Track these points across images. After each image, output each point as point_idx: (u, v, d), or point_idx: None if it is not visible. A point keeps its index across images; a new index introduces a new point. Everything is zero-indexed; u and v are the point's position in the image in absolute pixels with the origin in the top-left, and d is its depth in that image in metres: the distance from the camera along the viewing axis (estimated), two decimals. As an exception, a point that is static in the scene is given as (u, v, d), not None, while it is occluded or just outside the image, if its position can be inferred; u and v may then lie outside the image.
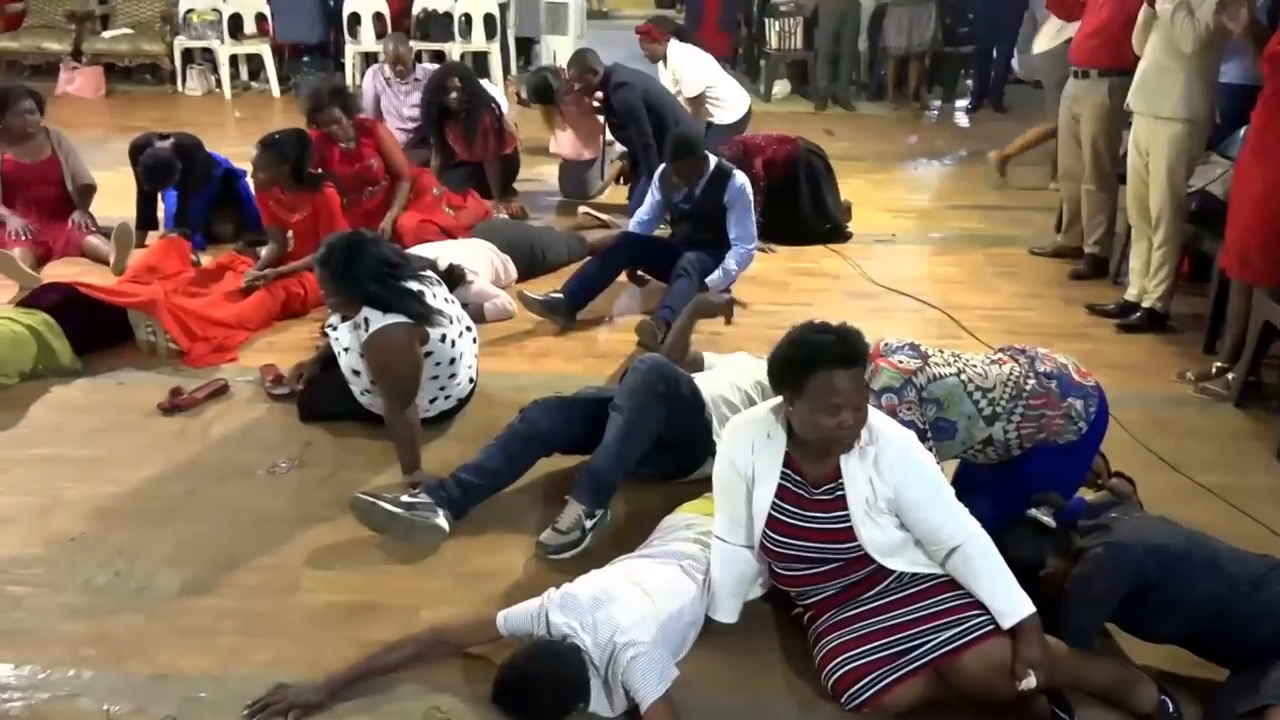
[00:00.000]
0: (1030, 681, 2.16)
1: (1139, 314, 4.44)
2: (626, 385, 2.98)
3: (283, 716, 2.29)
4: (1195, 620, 2.29)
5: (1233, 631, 2.28)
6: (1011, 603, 2.24)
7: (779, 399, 2.37)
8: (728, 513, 2.48)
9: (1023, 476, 2.68)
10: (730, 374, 3.31)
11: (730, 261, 4.53)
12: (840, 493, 2.33)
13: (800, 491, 2.38)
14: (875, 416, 2.34)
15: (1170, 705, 2.29)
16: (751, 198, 4.58)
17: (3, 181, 5.11)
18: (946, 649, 2.24)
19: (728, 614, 2.53)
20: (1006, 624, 2.22)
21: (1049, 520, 2.45)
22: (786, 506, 2.38)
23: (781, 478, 2.38)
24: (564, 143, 6.26)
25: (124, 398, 3.82)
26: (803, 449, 2.36)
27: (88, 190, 5.28)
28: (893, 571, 2.36)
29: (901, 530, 2.35)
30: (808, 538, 2.36)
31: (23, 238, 4.97)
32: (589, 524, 2.91)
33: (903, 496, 2.30)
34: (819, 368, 2.20)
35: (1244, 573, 2.29)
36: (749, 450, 2.41)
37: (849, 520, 2.32)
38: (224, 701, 2.35)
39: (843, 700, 2.30)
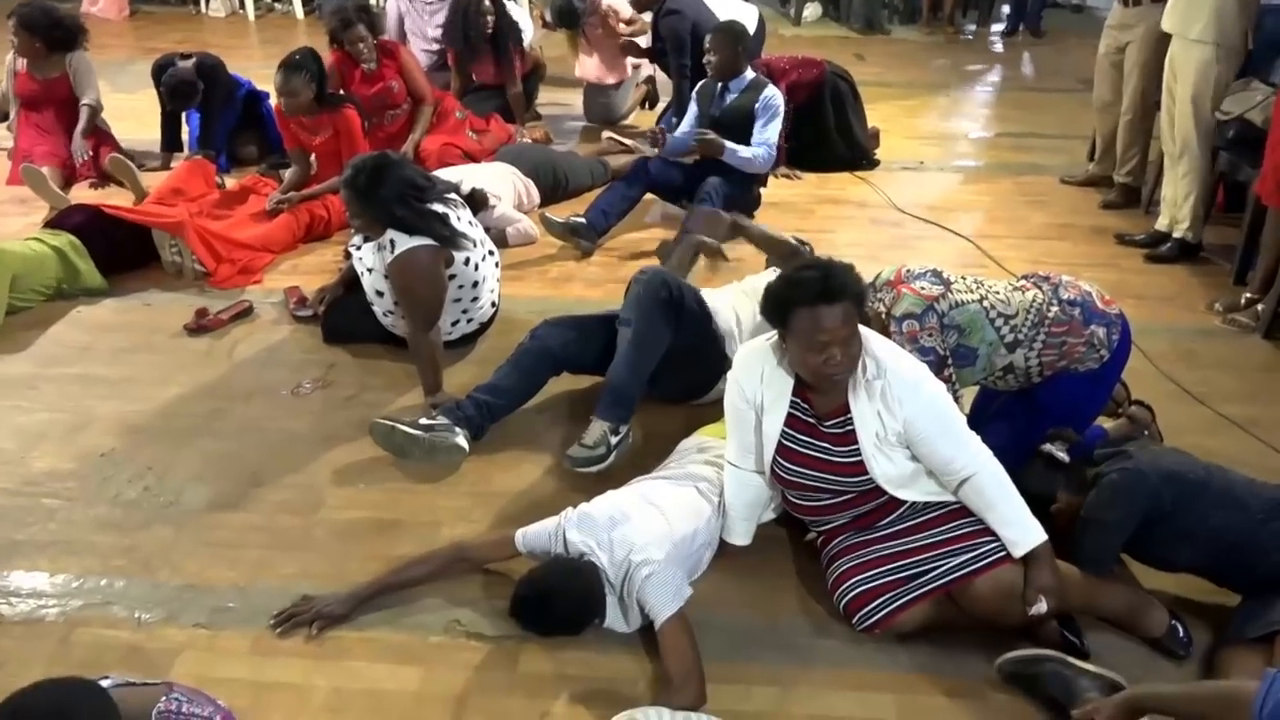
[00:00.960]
0: (1041, 607, 2.18)
1: (1169, 244, 4.36)
2: (631, 297, 2.99)
3: (308, 626, 2.36)
4: (1209, 549, 2.29)
5: (1247, 560, 2.28)
6: (1024, 530, 2.25)
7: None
8: (738, 439, 2.49)
9: (1042, 404, 2.67)
10: (744, 285, 3.30)
11: (743, 149, 4.44)
12: (850, 427, 2.33)
13: (810, 421, 2.38)
14: (883, 350, 2.32)
15: (1180, 630, 2.32)
16: (781, 110, 4.53)
17: (18, 97, 5.13)
18: (959, 574, 2.26)
19: (741, 537, 2.57)
20: (1018, 552, 2.24)
21: (1063, 455, 2.45)
22: (797, 435, 2.39)
23: (791, 407, 2.38)
24: (589, 67, 6.17)
25: (151, 318, 3.87)
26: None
27: (88, 109, 5.20)
28: (900, 506, 2.38)
29: (913, 461, 2.36)
30: (819, 468, 2.38)
31: None
32: (614, 440, 2.94)
33: (913, 430, 2.29)
34: (801, 305, 2.20)
35: (1260, 503, 2.29)
36: (758, 379, 2.41)
37: (859, 455, 2.32)
38: (251, 612, 2.43)
39: (854, 621, 2.34)
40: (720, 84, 4.55)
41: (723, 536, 2.57)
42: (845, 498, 2.40)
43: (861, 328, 2.29)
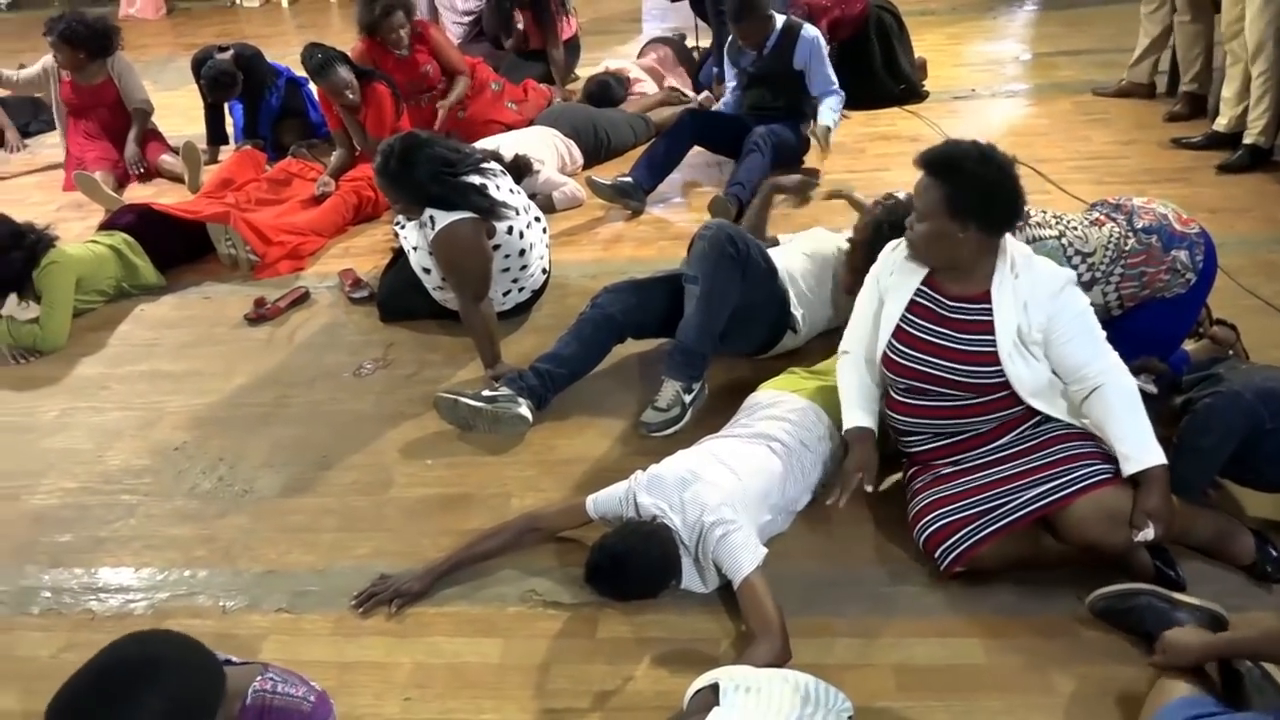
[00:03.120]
0: (1149, 533, 2.08)
1: (1240, 152, 4.16)
2: (696, 253, 2.92)
3: (387, 605, 2.38)
4: (1313, 466, 2.20)
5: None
6: (1143, 448, 2.13)
7: None
8: (858, 328, 2.48)
9: (1127, 333, 2.56)
10: (804, 246, 3.23)
11: (828, 112, 4.42)
12: (987, 316, 2.25)
13: (935, 308, 2.32)
14: (1028, 254, 2.28)
15: (1273, 551, 2.22)
16: (825, 48, 4.42)
17: (65, 105, 5.20)
18: (1055, 496, 2.17)
19: (860, 417, 2.44)
20: (1133, 469, 2.13)
21: (1151, 388, 2.35)
22: (916, 320, 2.33)
23: (917, 294, 2.34)
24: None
25: (211, 311, 3.92)
26: (945, 268, 2.31)
27: (140, 114, 5.30)
28: (1023, 422, 2.29)
29: (1050, 371, 2.27)
30: (941, 355, 2.29)
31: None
32: (688, 399, 2.91)
33: (1054, 327, 2.21)
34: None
35: (1363, 414, 2.17)
36: (890, 268, 2.40)
37: (993, 345, 2.24)
38: (330, 593, 2.45)
39: (936, 556, 2.27)
40: None
41: (844, 427, 2.46)
42: (962, 402, 2.31)
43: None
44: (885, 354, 2.37)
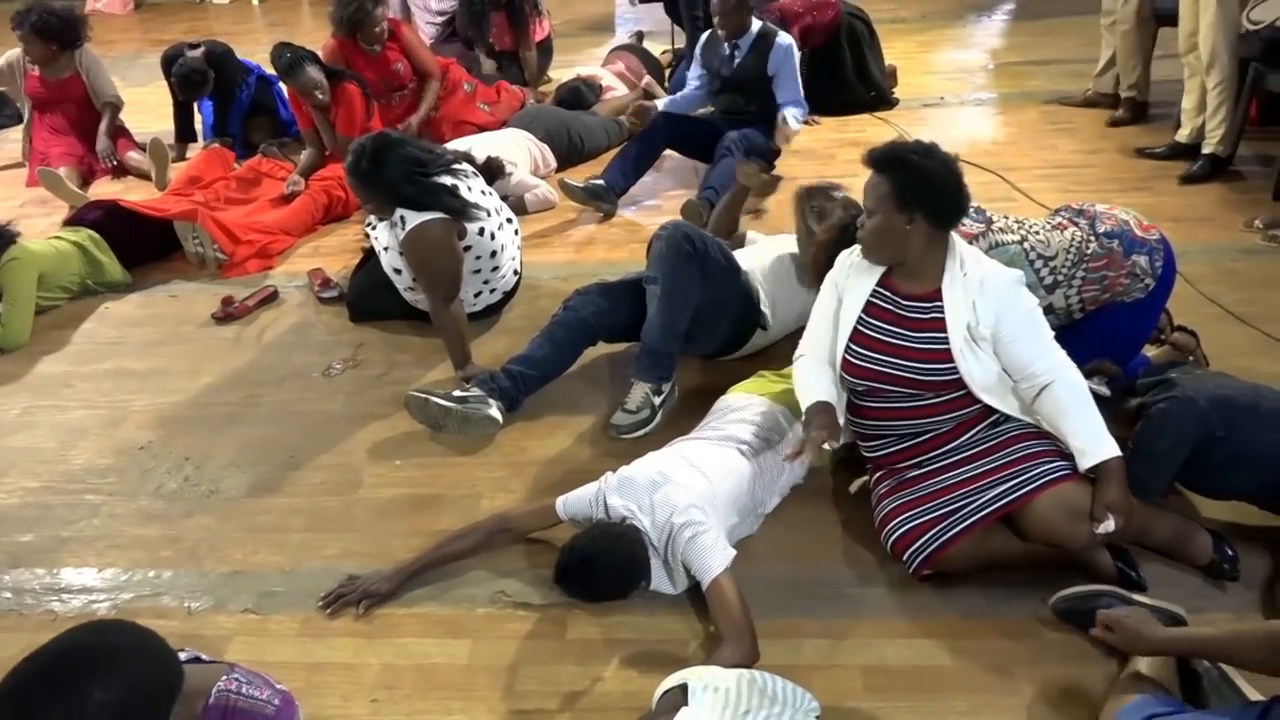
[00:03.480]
0: (1109, 525, 2.11)
1: (1200, 162, 4.24)
2: (654, 253, 2.94)
3: (355, 606, 2.37)
4: (1263, 473, 2.23)
5: (1303, 483, 2.22)
6: (1097, 442, 2.18)
7: None
8: (815, 332, 2.50)
9: (1087, 336, 2.61)
10: (775, 246, 3.25)
11: (794, 121, 4.45)
12: (939, 314, 2.29)
13: (890, 307, 2.35)
14: (977, 254, 2.33)
15: (1228, 550, 2.26)
16: (797, 59, 4.45)
17: (36, 100, 5.13)
18: (1017, 494, 2.20)
19: (819, 394, 2.38)
20: (1088, 463, 2.17)
21: (1104, 390, 2.38)
22: (872, 321, 2.36)
23: (873, 295, 2.37)
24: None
25: (177, 309, 3.88)
26: (900, 268, 2.35)
27: (111, 109, 5.24)
28: (979, 421, 2.33)
29: (999, 368, 2.31)
30: (896, 354, 2.32)
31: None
32: (657, 400, 2.92)
33: (1002, 325, 2.25)
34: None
35: (1314, 423, 2.22)
36: (847, 268, 2.43)
37: (946, 342, 2.28)
38: (298, 594, 2.44)
39: (905, 558, 2.30)
40: (729, 42, 4.45)
41: (803, 402, 2.41)
42: (921, 402, 2.34)
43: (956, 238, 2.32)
44: (844, 357, 2.39)
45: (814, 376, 2.45)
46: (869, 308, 2.37)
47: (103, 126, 5.19)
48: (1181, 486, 2.42)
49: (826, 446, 2.30)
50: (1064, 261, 2.54)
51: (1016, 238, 2.55)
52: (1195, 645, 1.85)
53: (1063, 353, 2.27)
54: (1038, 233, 2.58)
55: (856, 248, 2.43)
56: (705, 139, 4.46)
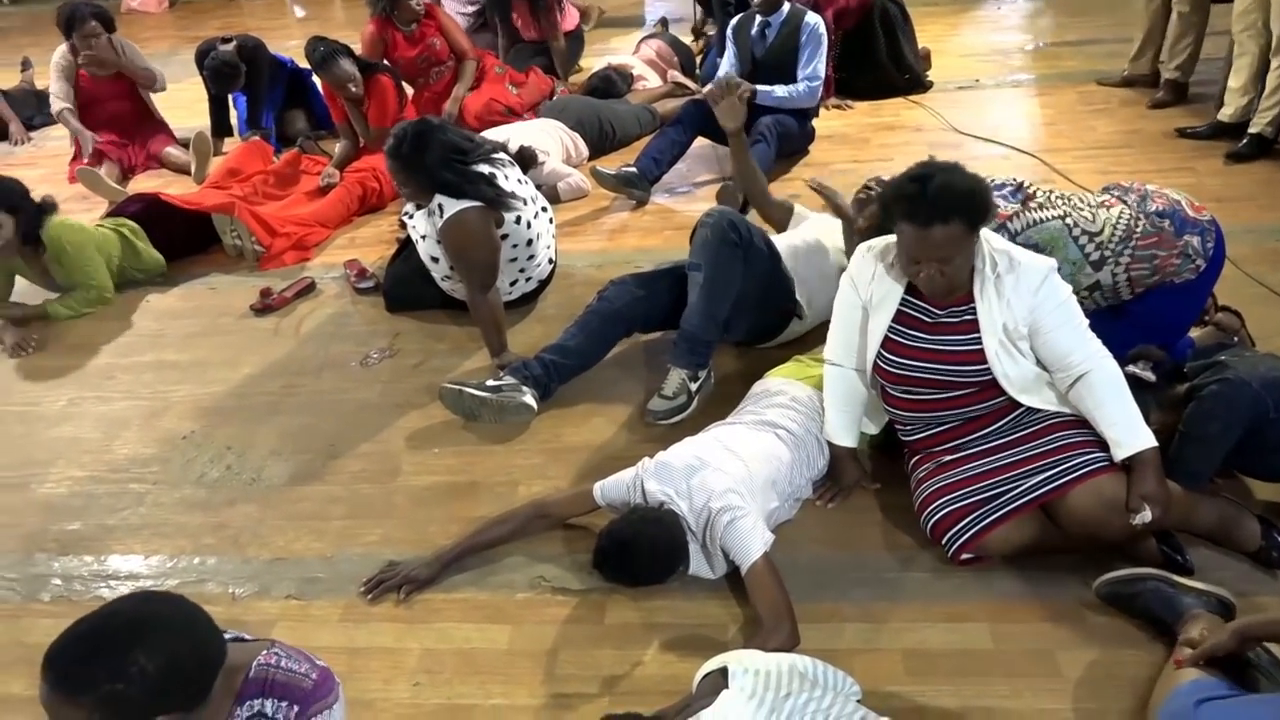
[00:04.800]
0: (1145, 516, 2.09)
1: (1245, 141, 4.16)
2: (698, 241, 2.93)
3: (396, 591, 2.39)
4: (1315, 455, 2.20)
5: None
6: (1133, 432, 2.15)
7: None
8: (841, 338, 2.47)
9: (1135, 319, 2.56)
10: (809, 233, 3.23)
11: (779, 89, 4.35)
12: (970, 316, 2.26)
13: (922, 316, 2.31)
14: (1014, 247, 2.26)
15: (1278, 537, 2.22)
16: (825, 39, 4.41)
17: (80, 98, 5.19)
18: (1055, 484, 2.18)
19: (843, 435, 2.51)
20: (1123, 454, 2.14)
21: (1149, 375, 2.33)
22: (905, 330, 2.33)
23: (902, 304, 2.33)
24: None
25: (217, 301, 3.92)
26: None
27: (147, 74, 5.25)
28: (1014, 408, 2.30)
29: (1036, 366, 2.28)
30: (930, 359, 2.30)
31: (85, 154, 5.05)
32: (694, 386, 2.92)
33: (1038, 319, 2.22)
34: (899, 218, 2.14)
35: (1367, 402, 2.17)
36: (869, 277, 2.37)
37: (979, 344, 2.25)
38: (339, 580, 2.46)
39: (943, 542, 2.28)
40: (760, 21, 4.43)
41: (826, 437, 2.53)
42: (955, 394, 2.32)
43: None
44: (876, 363, 2.38)
45: (842, 393, 2.49)
46: (899, 317, 2.33)
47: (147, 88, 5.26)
48: (1232, 469, 2.38)
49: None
50: (1110, 236, 2.49)
51: (1059, 213, 2.51)
52: (1261, 628, 1.82)
53: (1098, 342, 2.23)
54: (1081, 209, 2.53)
55: (873, 247, 2.39)
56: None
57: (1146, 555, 2.21)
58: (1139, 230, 2.49)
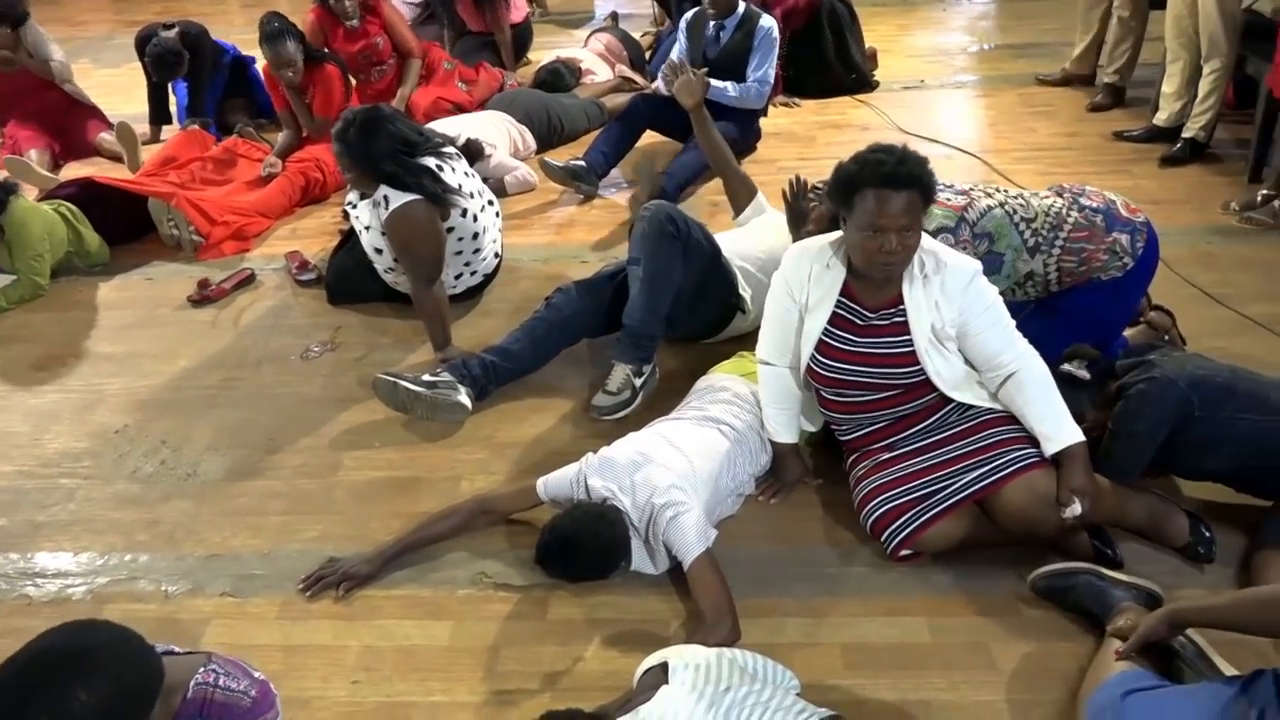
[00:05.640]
0: (1075, 509, 2.14)
1: (1180, 145, 4.26)
2: (637, 234, 2.93)
3: (335, 588, 2.35)
4: (1240, 455, 2.25)
5: (1278, 464, 2.24)
6: (1060, 428, 2.21)
7: (840, 232, 2.33)
8: (775, 339, 2.47)
9: (1065, 315, 2.62)
10: (754, 231, 3.25)
11: (732, 88, 4.36)
12: (901, 319, 2.29)
13: (854, 319, 2.34)
14: (941, 249, 2.29)
15: (1205, 531, 2.28)
16: (777, 40, 4.42)
17: None
18: (989, 480, 2.22)
19: (784, 432, 2.53)
20: (1053, 449, 2.20)
21: (1083, 373, 2.39)
22: (838, 333, 2.35)
23: (837, 306, 2.35)
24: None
25: (153, 292, 3.84)
26: (862, 279, 2.31)
27: (46, 69, 5.03)
28: (946, 404, 2.34)
29: (965, 364, 2.33)
30: (863, 362, 2.33)
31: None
32: (638, 382, 2.92)
33: (966, 320, 2.26)
34: (867, 185, 2.14)
35: (1290, 403, 2.24)
36: (806, 278, 2.37)
37: (911, 345, 2.28)
38: (277, 577, 2.42)
39: (882, 539, 2.31)
40: (715, 22, 4.42)
41: (769, 437, 2.55)
42: (887, 394, 2.35)
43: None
44: (810, 366, 2.40)
45: (779, 390, 2.50)
46: (834, 319, 2.36)
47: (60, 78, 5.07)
48: (1158, 467, 2.43)
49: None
50: (1043, 224, 2.55)
51: (996, 202, 2.56)
52: (1207, 615, 1.85)
53: (1025, 341, 2.29)
54: (1016, 196, 2.59)
55: (805, 249, 2.40)
56: (684, 120, 4.40)
57: (1078, 549, 2.26)
58: (1070, 221, 2.55)
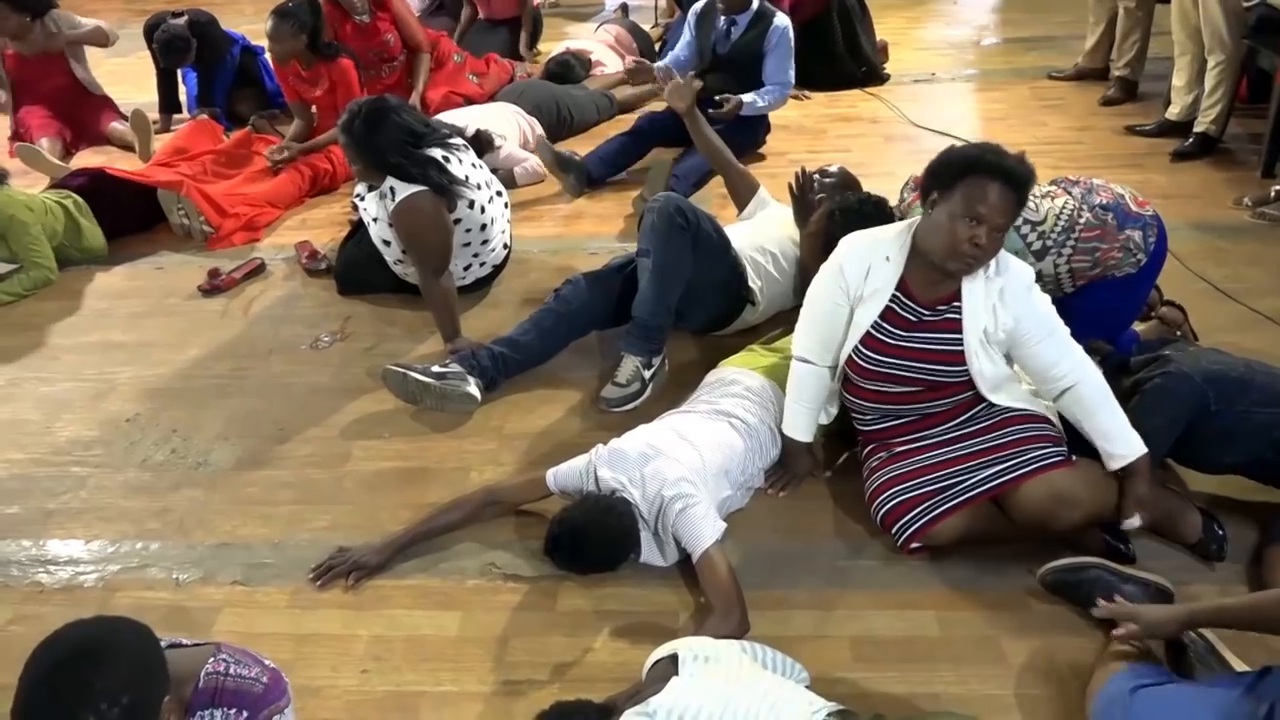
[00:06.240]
0: (1134, 521, 2.16)
1: (1191, 140, 4.25)
2: (646, 226, 2.92)
3: (345, 577, 2.36)
4: (1255, 448, 2.24)
5: (1293, 455, 2.23)
6: (1125, 443, 2.19)
7: (906, 223, 2.31)
8: (818, 335, 2.42)
9: (1077, 312, 2.60)
10: (762, 225, 3.24)
11: (759, 96, 4.33)
12: (954, 315, 2.26)
13: (907, 314, 2.31)
14: (1002, 253, 2.26)
15: (1217, 529, 2.27)
16: (793, 40, 4.38)
17: (12, 78, 5.04)
18: (1008, 477, 2.21)
19: (804, 433, 2.51)
20: (1116, 465, 2.18)
21: None
22: (887, 327, 2.32)
23: (890, 300, 2.32)
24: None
25: (164, 282, 3.84)
26: (921, 271, 2.27)
27: (96, 34, 5.11)
28: (976, 404, 2.33)
29: (1008, 365, 2.32)
30: (908, 357, 2.31)
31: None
32: (647, 374, 2.91)
33: (1022, 329, 2.24)
34: (982, 171, 2.11)
35: (1303, 396, 2.23)
36: (863, 273, 2.32)
37: (960, 344, 2.26)
38: (287, 566, 2.43)
39: (892, 531, 2.31)
40: (726, 18, 4.38)
41: (784, 431, 2.52)
42: (920, 389, 2.33)
43: None
44: (851, 357, 2.37)
45: (810, 392, 2.47)
46: (886, 313, 2.32)
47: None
48: (1174, 462, 2.43)
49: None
50: (1053, 227, 2.53)
51: None
52: (1221, 615, 1.84)
53: (1081, 350, 2.26)
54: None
55: (857, 242, 2.37)
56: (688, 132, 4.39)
57: (1090, 543, 2.25)
58: (1082, 221, 2.53)
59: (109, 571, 2.46)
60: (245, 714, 1.60)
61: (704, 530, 2.22)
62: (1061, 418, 2.33)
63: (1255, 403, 2.21)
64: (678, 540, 2.27)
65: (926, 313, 2.29)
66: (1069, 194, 2.59)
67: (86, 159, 4.97)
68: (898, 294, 2.31)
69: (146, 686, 1.44)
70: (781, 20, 4.34)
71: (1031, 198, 2.56)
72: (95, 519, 2.64)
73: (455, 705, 2.06)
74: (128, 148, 5.04)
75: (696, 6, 4.48)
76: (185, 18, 5.13)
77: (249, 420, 2.99)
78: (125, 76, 5.64)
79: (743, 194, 3.44)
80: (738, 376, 2.70)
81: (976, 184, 2.11)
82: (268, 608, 2.32)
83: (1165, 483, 2.40)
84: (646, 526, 2.31)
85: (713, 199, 4.13)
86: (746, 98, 4.25)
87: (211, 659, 1.64)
